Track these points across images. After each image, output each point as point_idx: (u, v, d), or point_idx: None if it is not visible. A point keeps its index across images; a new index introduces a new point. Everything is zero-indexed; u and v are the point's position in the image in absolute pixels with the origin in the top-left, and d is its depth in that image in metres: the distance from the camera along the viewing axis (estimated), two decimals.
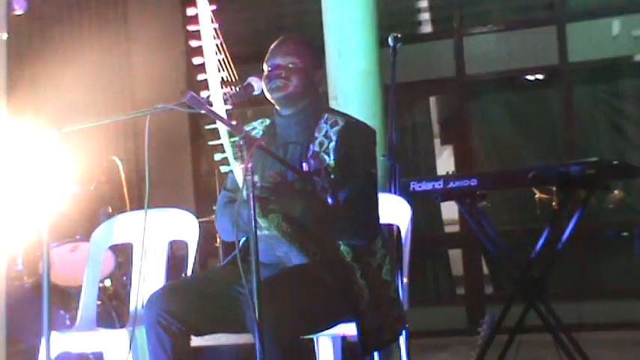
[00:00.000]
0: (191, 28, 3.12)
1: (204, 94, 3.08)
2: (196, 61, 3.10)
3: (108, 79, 8.60)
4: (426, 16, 8.72)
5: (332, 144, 3.43)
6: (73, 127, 3.27)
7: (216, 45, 3.11)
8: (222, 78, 3.11)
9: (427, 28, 8.73)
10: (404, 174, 5.17)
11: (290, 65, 3.49)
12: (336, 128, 3.46)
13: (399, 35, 5.20)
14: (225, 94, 3.10)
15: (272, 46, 3.57)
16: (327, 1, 6.41)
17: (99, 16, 8.74)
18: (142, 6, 8.91)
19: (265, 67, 3.52)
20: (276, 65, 3.50)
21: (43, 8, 8.04)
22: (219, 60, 3.10)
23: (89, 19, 8.65)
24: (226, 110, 3.10)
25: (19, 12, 4.92)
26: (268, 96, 3.47)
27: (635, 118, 8.19)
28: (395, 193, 4.69)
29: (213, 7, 3.13)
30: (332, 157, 3.40)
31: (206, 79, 3.10)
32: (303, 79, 3.50)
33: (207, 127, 3.11)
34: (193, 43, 3.11)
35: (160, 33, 8.70)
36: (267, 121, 3.66)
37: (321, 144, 3.44)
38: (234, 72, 3.14)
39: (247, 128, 3.61)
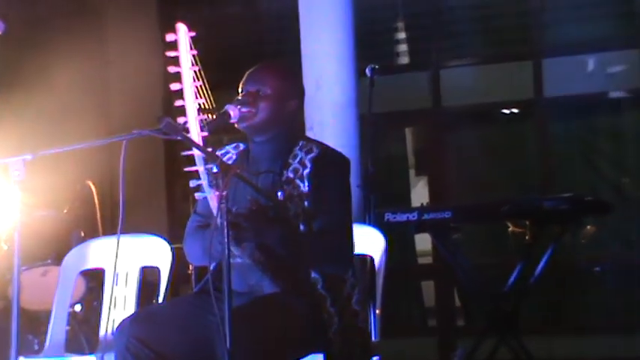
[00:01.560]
0: (170, 54, 3.11)
1: (181, 120, 3.07)
2: (174, 87, 3.09)
3: (84, 102, 8.58)
4: (403, 47, 8.76)
5: (306, 171, 3.41)
6: (48, 150, 3.26)
7: (195, 72, 3.10)
8: (199, 105, 3.10)
9: (404, 60, 8.77)
10: (378, 204, 5.18)
11: (260, 92, 3.47)
12: (311, 155, 3.45)
13: (377, 66, 5.24)
14: (202, 121, 3.09)
15: (247, 72, 3.56)
16: (305, 32, 6.42)
17: (77, 40, 8.72)
18: (120, 31, 8.91)
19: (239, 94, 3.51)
20: (247, 92, 3.48)
21: (21, 31, 8.02)
22: (197, 87, 3.10)
23: (67, 42, 8.62)
24: (203, 137, 3.09)
25: None
26: (237, 125, 3.43)
27: (608, 155, 8.24)
28: (369, 223, 4.69)
29: (193, 33, 3.13)
30: (306, 185, 3.39)
31: (183, 106, 3.09)
32: (270, 107, 3.45)
33: (184, 153, 3.10)
34: (172, 69, 3.10)
35: (138, 58, 8.69)
36: (242, 146, 3.64)
37: (295, 171, 3.43)
38: (212, 99, 3.14)
39: (220, 152, 3.59)
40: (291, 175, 3.42)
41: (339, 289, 3.40)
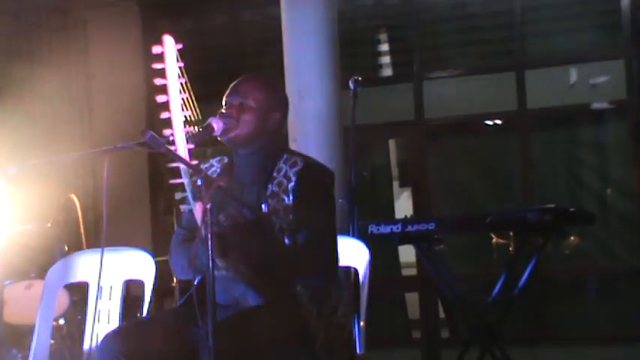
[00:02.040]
0: (156, 66, 3.10)
1: (167, 132, 3.07)
2: (160, 99, 3.09)
3: (67, 115, 8.58)
4: (386, 59, 8.78)
5: (291, 184, 3.41)
6: (30, 163, 3.24)
7: (181, 84, 3.10)
8: (185, 117, 3.09)
9: (388, 72, 8.79)
10: (362, 216, 5.18)
11: (242, 105, 3.46)
12: (296, 169, 3.44)
13: (360, 78, 5.24)
14: (187, 132, 3.09)
15: (230, 85, 3.56)
16: (288, 44, 6.43)
17: (59, 53, 8.72)
18: (103, 43, 8.91)
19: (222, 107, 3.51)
20: (229, 104, 3.48)
21: (3, 44, 8.01)
22: (183, 99, 3.10)
23: (49, 55, 8.62)
24: (188, 149, 3.09)
25: None
26: (219, 137, 3.42)
27: (591, 165, 8.28)
28: (353, 235, 4.69)
29: (180, 46, 3.12)
30: (290, 198, 3.39)
31: (169, 118, 3.09)
32: (253, 120, 3.44)
33: (169, 165, 3.09)
34: (158, 82, 3.09)
35: (121, 71, 8.70)
36: (226, 159, 3.64)
37: (279, 184, 3.42)
38: (198, 111, 3.14)
39: (205, 166, 3.58)
40: (275, 188, 3.41)
41: (324, 302, 3.40)
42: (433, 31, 8.62)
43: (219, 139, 3.42)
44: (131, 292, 4.49)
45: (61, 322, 6.09)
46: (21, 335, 5.82)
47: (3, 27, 8.34)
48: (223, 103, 3.50)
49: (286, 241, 3.34)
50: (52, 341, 4.53)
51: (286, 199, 3.39)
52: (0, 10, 8.17)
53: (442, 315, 8.40)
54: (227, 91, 3.52)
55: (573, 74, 8.14)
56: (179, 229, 3.62)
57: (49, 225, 6.37)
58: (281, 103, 3.60)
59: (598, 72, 8.08)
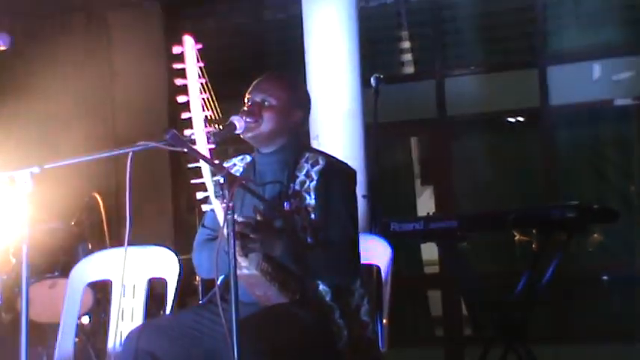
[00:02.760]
0: (177, 66, 3.12)
1: (187, 132, 3.08)
2: (181, 99, 3.10)
3: (90, 113, 8.62)
4: (408, 57, 8.76)
5: (313, 183, 3.41)
6: (55, 163, 3.26)
7: (201, 84, 3.11)
8: (206, 117, 3.10)
9: (409, 69, 8.77)
10: (384, 214, 5.18)
11: (265, 103, 3.47)
12: (317, 167, 3.45)
13: (382, 76, 5.24)
14: (208, 132, 3.10)
15: (253, 83, 3.57)
16: (310, 41, 6.44)
17: (82, 53, 8.76)
18: (125, 42, 8.94)
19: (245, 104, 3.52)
20: (252, 102, 3.49)
21: (27, 44, 8.06)
22: (203, 99, 3.11)
23: (73, 55, 8.66)
24: (209, 149, 3.10)
25: (2, 47, 4.92)
26: (242, 135, 3.44)
27: (614, 162, 8.24)
28: (375, 233, 4.69)
29: (199, 46, 3.13)
30: (312, 197, 3.39)
31: (190, 118, 3.10)
32: (276, 118, 3.46)
33: (190, 165, 3.10)
34: (178, 82, 3.10)
35: (143, 70, 8.72)
36: (248, 158, 3.65)
37: (302, 183, 3.43)
38: (218, 110, 3.14)
39: (227, 165, 3.59)
40: (297, 187, 3.42)
41: (347, 301, 3.40)
42: (455, 27, 8.60)
43: (241, 137, 3.43)
44: (154, 290, 4.51)
45: (85, 320, 6.12)
46: (45, 334, 5.86)
47: (26, 27, 8.38)
48: (245, 101, 3.51)
49: (308, 240, 3.34)
50: (76, 339, 4.54)
51: (308, 197, 3.39)
52: (23, 11, 8.22)
53: (465, 313, 8.37)
54: (249, 89, 3.53)
55: (596, 70, 8.10)
56: (202, 229, 3.63)
57: (72, 224, 6.40)
58: (303, 102, 3.61)
59: (621, 68, 8.03)
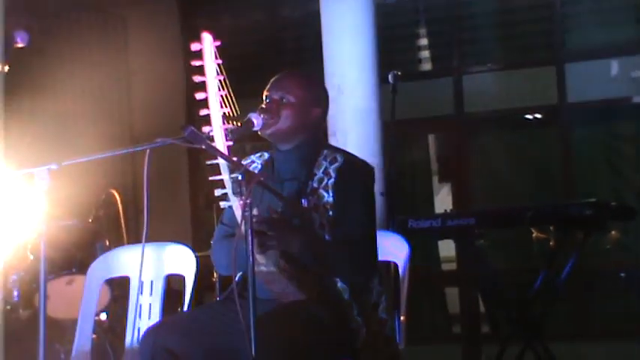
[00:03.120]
0: (195, 63, 3.12)
1: (206, 129, 3.08)
2: (199, 96, 3.10)
3: (107, 111, 8.64)
4: (426, 54, 8.76)
5: (331, 181, 3.41)
6: (72, 160, 3.27)
7: (220, 81, 3.11)
8: (224, 113, 3.11)
9: (427, 66, 8.76)
10: (402, 211, 5.17)
11: (283, 100, 3.47)
12: (335, 165, 3.44)
13: (399, 73, 5.23)
14: (226, 129, 3.10)
15: (271, 80, 3.57)
16: (328, 38, 6.44)
17: (99, 50, 8.79)
18: (142, 40, 8.96)
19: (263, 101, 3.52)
20: (270, 99, 3.49)
21: (45, 42, 8.08)
22: (221, 96, 3.11)
23: (90, 54, 8.69)
24: (227, 146, 3.09)
25: (20, 45, 4.94)
26: (260, 132, 3.44)
27: (632, 159, 8.21)
28: (393, 230, 4.68)
29: (218, 43, 3.13)
30: (330, 194, 3.39)
31: (208, 115, 3.10)
32: (293, 115, 3.45)
33: (208, 162, 3.10)
34: (197, 79, 3.11)
35: (161, 67, 8.74)
36: (266, 155, 3.65)
37: (320, 180, 3.42)
38: (236, 107, 3.14)
39: (245, 162, 3.59)
40: (315, 185, 3.41)
41: (365, 298, 3.40)
42: (472, 24, 8.59)
43: (259, 134, 3.43)
44: (172, 286, 4.52)
45: (103, 316, 6.14)
46: (63, 330, 5.88)
47: (44, 26, 8.41)
48: (264, 98, 3.51)
49: (326, 237, 3.34)
50: (94, 336, 4.56)
51: (326, 195, 3.39)
52: (41, 10, 8.25)
53: (482, 310, 8.36)
54: (267, 86, 3.53)
55: (614, 67, 8.07)
56: (221, 226, 3.63)
57: (90, 220, 6.42)
58: (321, 100, 3.60)
59: (639, 65, 8.00)
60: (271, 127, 3.43)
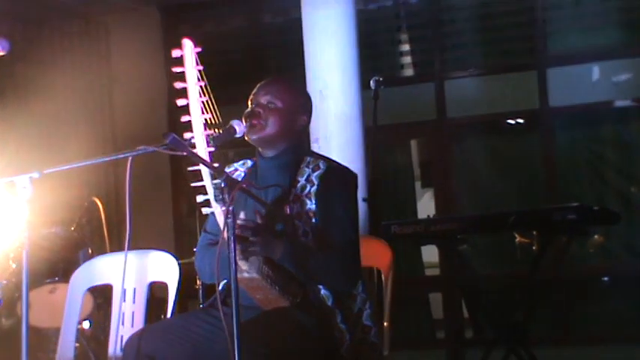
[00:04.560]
0: (176, 69, 3.11)
1: (187, 135, 3.08)
2: (180, 102, 3.10)
3: (90, 118, 8.63)
4: (407, 59, 8.77)
5: (314, 188, 3.41)
6: (55, 168, 3.26)
7: (200, 87, 3.11)
8: (205, 120, 3.10)
9: (409, 72, 8.77)
10: (385, 217, 5.17)
11: (270, 106, 3.47)
12: (318, 172, 3.44)
13: (381, 78, 5.24)
14: (208, 136, 3.10)
15: (258, 85, 3.56)
16: (309, 44, 6.44)
17: (81, 58, 8.77)
18: (124, 47, 8.95)
19: (249, 106, 3.51)
20: (256, 104, 3.48)
21: (27, 49, 8.06)
22: (202, 102, 3.10)
23: (72, 60, 8.68)
24: (209, 152, 3.09)
25: (1, 53, 4.91)
26: (246, 137, 3.44)
27: (614, 164, 8.24)
28: (376, 236, 4.68)
29: (199, 49, 3.13)
30: (313, 202, 3.39)
31: (189, 121, 3.10)
32: (280, 121, 3.45)
33: (190, 168, 3.10)
34: (178, 85, 3.10)
35: (143, 73, 8.73)
36: (249, 163, 3.65)
37: (302, 188, 3.42)
38: (218, 114, 3.14)
39: (228, 170, 3.59)
40: (298, 192, 3.41)
41: (349, 305, 3.40)
42: (454, 30, 8.61)
43: (246, 139, 3.43)
44: (155, 294, 4.50)
45: (86, 325, 6.11)
46: (46, 338, 5.86)
47: (26, 33, 8.39)
48: (250, 102, 3.50)
49: (310, 244, 3.34)
50: (76, 344, 4.54)
51: (309, 202, 3.39)
52: (23, 17, 8.23)
53: (466, 315, 8.37)
54: (255, 91, 3.53)
55: (596, 72, 8.10)
56: (204, 234, 3.62)
57: (72, 229, 6.39)
58: (307, 107, 3.61)
59: (621, 69, 8.04)
60: (258, 132, 3.43)
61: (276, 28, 9.01)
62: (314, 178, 3.43)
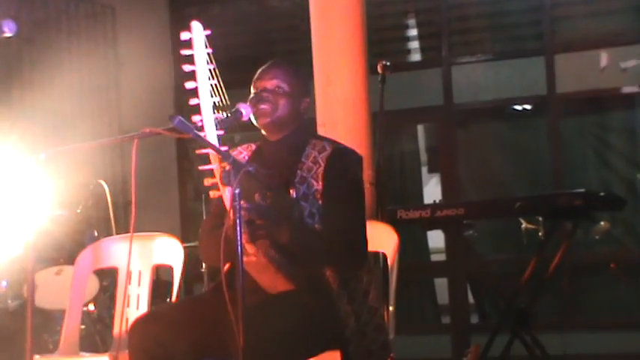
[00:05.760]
0: (185, 52, 3.10)
1: (196, 118, 3.07)
2: (189, 85, 3.09)
3: (96, 102, 8.62)
4: (415, 44, 8.74)
5: (320, 169, 3.41)
6: (60, 149, 3.26)
7: (210, 70, 3.10)
8: (214, 103, 3.09)
9: (416, 57, 8.75)
10: (391, 202, 5.16)
11: (277, 89, 3.47)
12: (324, 154, 3.44)
13: (388, 63, 5.23)
14: (215, 119, 3.09)
15: (260, 70, 3.56)
16: (316, 29, 6.42)
17: (88, 40, 8.76)
18: (131, 30, 8.92)
19: (252, 90, 3.51)
20: (263, 89, 3.48)
21: (33, 32, 8.05)
22: (212, 85, 3.10)
23: (78, 43, 8.66)
24: (218, 136, 3.08)
25: (8, 34, 4.91)
26: (254, 121, 3.44)
27: (621, 150, 8.22)
28: (382, 220, 4.68)
29: (208, 32, 3.12)
30: (320, 183, 3.39)
31: (198, 104, 3.09)
32: (289, 104, 3.47)
33: (198, 151, 3.09)
34: (187, 68, 3.09)
35: (150, 57, 8.71)
36: (253, 146, 3.65)
37: (308, 169, 3.42)
38: (226, 97, 3.13)
39: (233, 153, 3.59)
40: (304, 174, 3.41)
41: (355, 287, 3.40)
42: (461, 15, 8.57)
43: (254, 123, 3.43)
44: (160, 277, 4.52)
45: (91, 307, 6.13)
46: (51, 320, 5.87)
47: (32, 16, 8.38)
48: (255, 87, 3.50)
49: (316, 226, 3.34)
50: (82, 326, 4.56)
51: (315, 184, 3.39)
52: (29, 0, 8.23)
53: (471, 300, 8.38)
54: (257, 76, 3.52)
55: (604, 58, 8.07)
56: (209, 217, 3.62)
57: (78, 211, 6.40)
58: (309, 89, 3.66)
59: (629, 56, 8.01)
60: (269, 116, 3.43)
61: (283, 12, 8.99)
62: (320, 159, 3.43)
